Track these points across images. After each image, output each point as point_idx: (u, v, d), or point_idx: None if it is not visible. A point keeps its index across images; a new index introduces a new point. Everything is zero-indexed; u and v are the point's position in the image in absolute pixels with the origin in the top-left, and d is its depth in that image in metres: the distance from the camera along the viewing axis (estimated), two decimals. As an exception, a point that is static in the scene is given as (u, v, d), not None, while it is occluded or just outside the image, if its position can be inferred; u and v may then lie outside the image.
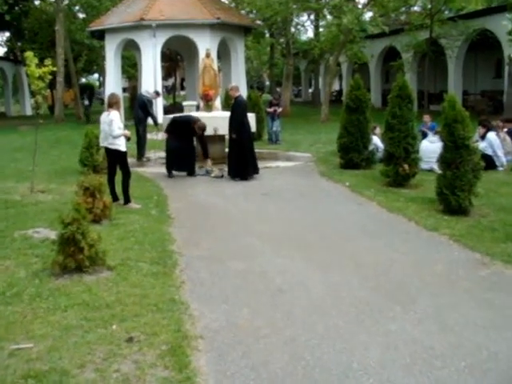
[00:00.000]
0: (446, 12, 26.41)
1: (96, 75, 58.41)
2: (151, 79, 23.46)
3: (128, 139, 8.57)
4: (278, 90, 37.02)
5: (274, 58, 39.47)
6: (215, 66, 15.73)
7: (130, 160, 9.72)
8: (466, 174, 7.50)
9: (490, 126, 11.79)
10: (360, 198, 9.09)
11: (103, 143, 8.67)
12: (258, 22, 30.00)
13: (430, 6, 23.85)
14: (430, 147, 10.80)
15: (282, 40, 32.95)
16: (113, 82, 24.95)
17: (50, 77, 9.55)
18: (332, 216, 7.99)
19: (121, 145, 8.37)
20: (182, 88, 45.53)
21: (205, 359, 3.81)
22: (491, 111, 23.41)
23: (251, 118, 11.67)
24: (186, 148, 11.19)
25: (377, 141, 12.04)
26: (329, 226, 7.46)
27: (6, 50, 42.17)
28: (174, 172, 11.32)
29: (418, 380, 3.54)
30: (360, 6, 23.58)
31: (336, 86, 44.85)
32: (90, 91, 34.79)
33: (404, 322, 4.36)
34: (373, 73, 33.13)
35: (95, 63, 40.73)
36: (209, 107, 13.23)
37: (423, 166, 10.47)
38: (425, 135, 12.32)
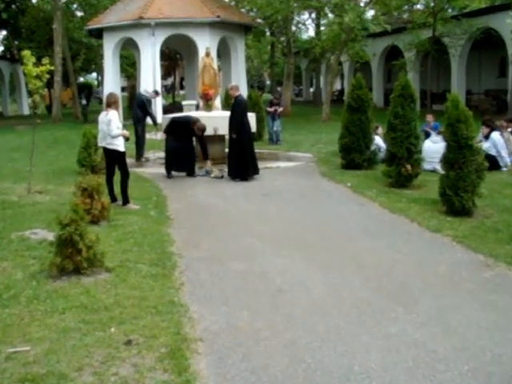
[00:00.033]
0: (450, 10, 26.40)
1: (94, 74, 58.48)
2: (150, 78, 23.48)
3: (127, 139, 8.57)
4: (279, 89, 37.03)
5: (275, 56, 39.48)
6: (215, 65, 15.73)
7: (129, 160, 9.73)
8: (470, 175, 7.50)
9: (493, 126, 11.79)
10: (362, 198, 9.09)
11: (101, 143, 8.68)
12: (259, 20, 30.03)
13: (432, 4, 23.90)
14: (433, 147, 10.80)
15: (282, 39, 33.01)
16: (111, 81, 24.97)
17: (47, 76, 9.56)
18: (333, 217, 8.00)
19: (119, 145, 8.38)
20: (182, 87, 45.56)
21: (204, 362, 3.81)
22: (495, 111, 23.42)
23: (251, 117, 11.68)
24: (185, 148, 11.19)
25: (379, 141, 12.04)
26: (330, 226, 7.47)
27: (2, 48, 42.19)
28: (174, 172, 11.32)
29: None
30: (362, 4, 23.63)
31: (337, 86, 44.90)
32: (87, 90, 34.74)
33: (406, 323, 4.36)
34: (375, 72, 33.14)
35: (93, 62, 40.81)
36: (208, 107, 13.25)
37: (426, 166, 10.48)
38: (428, 135, 12.32)
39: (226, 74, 26.54)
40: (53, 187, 10.07)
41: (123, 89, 35.87)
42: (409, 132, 9.44)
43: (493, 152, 11.09)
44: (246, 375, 3.66)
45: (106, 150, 8.59)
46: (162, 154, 12.11)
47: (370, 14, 25.99)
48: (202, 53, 18.79)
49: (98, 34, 26.33)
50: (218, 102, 15.90)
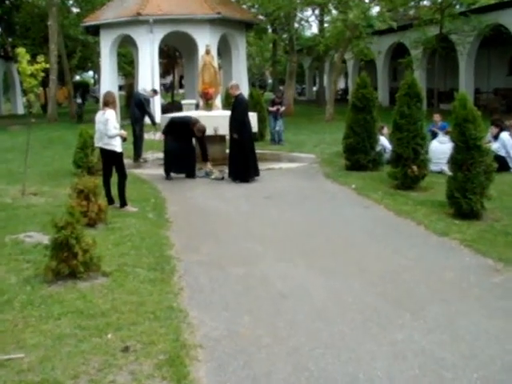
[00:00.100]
0: (457, 6, 26.42)
1: (91, 72, 58.59)
2: (148, 77, 23.51)
3: (124, 139, 8.58)
4: (281, 88, 37.02)
5: (277, 54, 39.51)
6: (215, 63, 15.78)
7: (127, 161, 9.75)
8: (478, 176, 7.49)
9: (503, 126, 11.80)
10: (367, 201, 9.09)
11: (98, 143, 8.69)
12: (260, 17, 30.10)
13: (440, 0, 23.89)
14: (440, 148, 10.80)
15: (285, 36, 33.08)
16: (108, 80, 25.00)
17: (42, 74, 9.56)
18: (337, 220, 8.00)
19: (116, 145, 8.39)
20: (181, 86, 45.65)
21: (204, 370, 3.81)
22: (504, 110, 23.43)
23: (253, 117, 11.69)
24: (185, 149, 11.20)
25: (384, 141, 12.04)
26: (333, 230, 7.47)
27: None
28: (173, 174, 11.33)
29: (427, 392, 3.55)
30: (367, 1, 23.66)
31: (341, 84, 44.93)
32: (83, 89, 34.92)
33: (413, 330, 4.36)
34: (380, 70, 33.18)
35: (90, 60, 40.89)
36: (209, 106, 13.27)
37: (433, 167, 10.48)
38: (434, 135, 12.32)
39: (226, 73, 26.58)
40: (48, 189, 10.08)
41: (121, 87, 36.03)
42: (415, 132, 9.44)
43: (502, 153, 11.09)
44: (248, 383, 3.66)
45: (102, 150, 8.61)
46: (161, 155, 12.13)
47: (375, 10, 25.99)
48: (201, 50, 18.82)
49: (95, 30, 26.37)
50: (218, 101, 15.93)
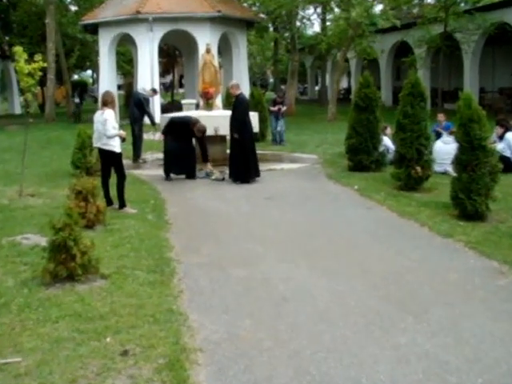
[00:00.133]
0: (462, 4, 26.36)
1: (89, 72, 58.61)
2: (148, 76, 23.54)
3: (123, 140, 8.58)
4: (283, 87, 37.12)
5: (279, 53, 39.53)
6: (216, 62, 15.82)
7: (126, 162, 9.74)
8: (483, 177, 7.49)
9: (508, 126, 11.79)
10: (369, 202, 9.09)
11: (97, 144, 8.70)
12: (262, 15, 30.10)
13: (444, -2, 23.86)
14: (444, 148, 10.80)
15: (286, 34, 33.08)
16: (107, 79, 25.03)
17: (40, 73, 9.57)
18: (339, 221, 8.00)
19: (115, 145, 8.39)
20: (181, 85, 45.67)
21: (204, 374, 3.81)
22: (509, 110, 23.42)
23: (254, 117, 11.70)
24: (185, 149, 11.20)
25: (387, 141, 12.05)
26: (336, 231, 7.47)
27: (-7, 44, 42.34)
28: (172, 175, 11.34)
29: (431, 396, 3.55)
30: (370, -1, 23.64)
31: (344, 84, 44.95)
32: (81, 88, 34.88)
33: (416, 333, 4.36)
34: (383, 69, 33.17)
35: (88, 59, 40.92)
36: (209, 106, 13.27)
37: (437, 168, 10.47)
38: (439, 135, 12.32)
39: (227, 72, 26.59)
40: (46, 190, 10.10)
41: (119, 87, 36.05)
42: (419, 132, 9.44)
43: (507, 153, 11.09)
44: (248, 387, 3.66)
45: (101, 150, 8.61)
46: (161, 155, 12.13)
47: (379, 8, 25.98)
48: (202, 49, 18.85)
49: (94, 29, 26.40)
50: (218, 100, 15.94)
